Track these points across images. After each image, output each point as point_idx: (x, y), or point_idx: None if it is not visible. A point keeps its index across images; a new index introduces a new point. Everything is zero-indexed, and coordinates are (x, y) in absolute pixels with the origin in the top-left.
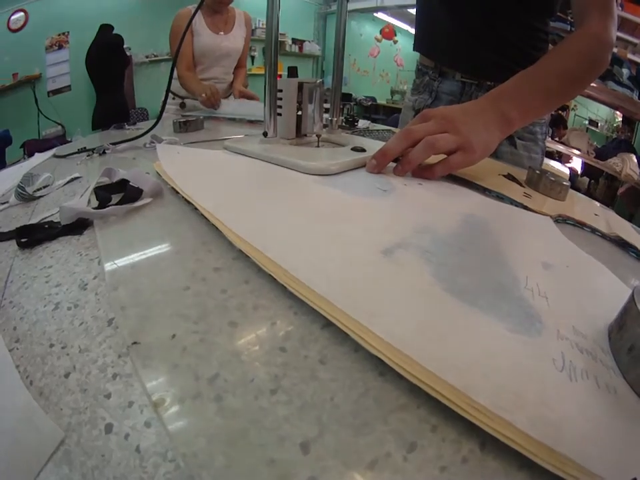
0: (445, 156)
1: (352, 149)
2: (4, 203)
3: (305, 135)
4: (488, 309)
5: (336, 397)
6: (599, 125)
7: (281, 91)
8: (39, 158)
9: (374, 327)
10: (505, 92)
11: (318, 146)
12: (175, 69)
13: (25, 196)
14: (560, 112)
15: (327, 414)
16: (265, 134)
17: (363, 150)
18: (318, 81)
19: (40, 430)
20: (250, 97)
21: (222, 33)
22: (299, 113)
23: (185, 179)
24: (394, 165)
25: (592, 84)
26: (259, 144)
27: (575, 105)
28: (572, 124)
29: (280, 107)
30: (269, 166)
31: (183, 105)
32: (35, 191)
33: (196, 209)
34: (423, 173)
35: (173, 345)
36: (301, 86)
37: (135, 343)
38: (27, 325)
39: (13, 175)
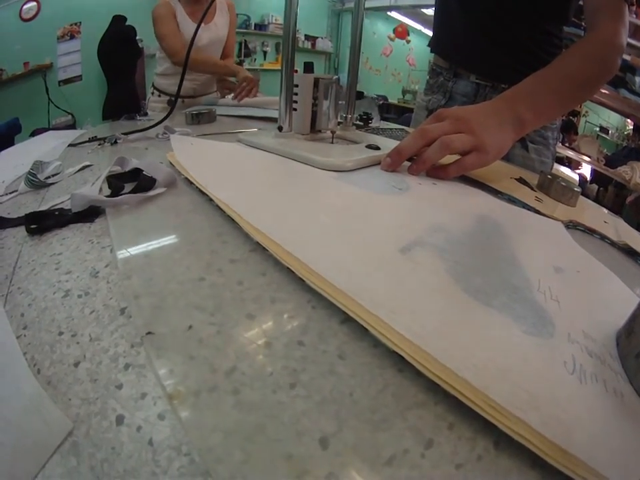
0: (459, 156)
1: (366, 147)
2: (13, 192)
3: (320, 131)
4: (503, 309)
5: (355, 392)
6: (610, 132)
7: (297, 86)
8: (40, 142)
9: (394, 324)
10: (520, 93)
11: (332, 142)
12: (166, 61)
13: (35, 182)
14: (571, 117)
15: (345, 409)
16: (280, 128)
17: (378, 148)
18: (334, 78)
19: (47, 420)
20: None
21: (202, 23)
22: (314, 108)
23: (199, 169)
24: (408, 163)
25: (604, 91)
26: (274, 138)
27: (587, 112)
28: (583, 130)
29: (295, 102)
30: (283, 160)
31: (170, 102)
32: (45, 178)
33: (211, 200)
34: (437, 172)
35: (189, 336)
36: (317, 82)
37: (149, 333)
38: (35, 312)
39: (16, 156)
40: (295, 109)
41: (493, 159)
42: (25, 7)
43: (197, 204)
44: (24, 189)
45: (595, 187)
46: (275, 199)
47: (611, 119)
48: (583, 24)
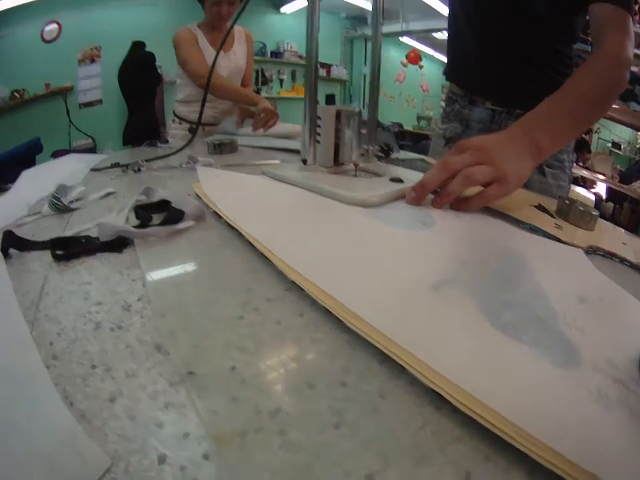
0: (481, 187)
1: (390, 180)
2: (36, 214)
3: (342, 164)
4: (531, 343)
5: (397, 430)
6: (622, 146)
7: (319, 118)
8: (62, 164)
9: (431, 362)
10: (535, 120)
11: (355, 175)
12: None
13: (59, 207)
14: (583, 136)
15: (389, 447)
16: (305, 161)
17: (401, 181)
18: (356, 109)
19: (83, 455)
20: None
21: (222, 51)
22: (337, 141)
23: (228, 203)
24: (432, 196)
25: (614, 105)
26: (299, 171)
27: (598, 128)
28: (595, 147)
29: (318, 134)
30: (308, 194)
31: (192, 130)
32: (69, 203)
33: (241, 234)
34: (460, 205)
35: (231, 376)
36: (339, 114)
37: (190, 373)
38: (65, 342)
39: (38, 177)
40: (318, 142)
41: (514, 188)
42: (47, 28)
43: (227, 239)
44: (47, 211)
45: (610, 205)
46: (305, 236)
47: (622, 133)
48: (589, 38)
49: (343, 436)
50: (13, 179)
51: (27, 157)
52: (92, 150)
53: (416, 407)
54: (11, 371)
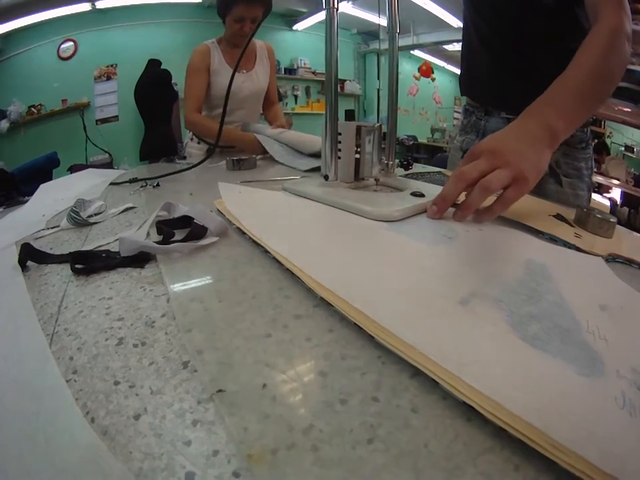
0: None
1: (411, 194)
2: (54, 227)
3: (363, 179)
4: (557, 354)
5: (429, 443)
6: (635, 150)
7: (339, 134)
8: (80, 178)
9: (465, 376)
10: (546, 104)
11: (376, 190)
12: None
13: (78, 220)
14: (597, 140)
15: (422, 460)
16: (326, 177)
17: (422, 195)
18: (376, 125)
19: (105, 472)
20: None
21: (244, 70)
22: (357, 156)
23: (250, 219)
24: (453, 209)
25: (626, 109)
26: (320, 187)
27: (611, 132)
28: (609, 152)
29: (339, 150)
30: (330, 209)
31: (210, 151)
32: (88, 217)
33: (266, 251)
34: (482, 215)
35: (262, 394)
36: (359, 129)
37: (220, 390)
38: (86, 357)
39: (56, 190)
40: (339, 157)
41: (533, 183)
42: (63, 46)
43: (251, 255)
44: (66, 225)
45: (625, 210)
46: (331, 252)
47: (634, 136)
48: None
49: (376, 451)
50: (31, 192)
51: (44, 170)
52: (109, 165)
53: (448, 419)
54: (29, 384)
